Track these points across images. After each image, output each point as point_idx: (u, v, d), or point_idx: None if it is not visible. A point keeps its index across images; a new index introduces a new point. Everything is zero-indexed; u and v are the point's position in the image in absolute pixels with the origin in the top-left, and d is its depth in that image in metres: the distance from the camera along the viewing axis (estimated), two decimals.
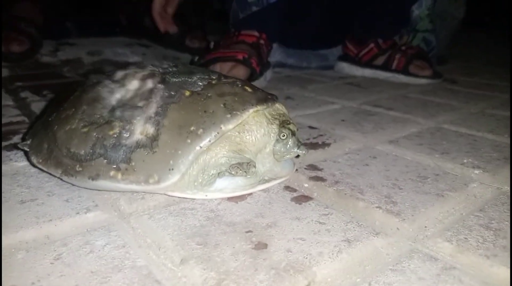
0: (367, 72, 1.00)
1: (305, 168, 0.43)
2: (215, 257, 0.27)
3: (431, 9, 1.04)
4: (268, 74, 0.89)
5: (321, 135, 0.54)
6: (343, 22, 1.02)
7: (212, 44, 0.90)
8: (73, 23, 1.51)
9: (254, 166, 0.35)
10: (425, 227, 0.32)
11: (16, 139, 0.50)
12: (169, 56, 1.27)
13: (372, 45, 0.98)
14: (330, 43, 1.09)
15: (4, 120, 0.58)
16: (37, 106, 0.66)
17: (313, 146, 0.50)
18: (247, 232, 0.30)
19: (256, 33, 0.87)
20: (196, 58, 0.86)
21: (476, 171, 0.43)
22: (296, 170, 0.42)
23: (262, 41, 0.87)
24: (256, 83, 0.78)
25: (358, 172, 0.42)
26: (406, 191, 0.38)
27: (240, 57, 0.78)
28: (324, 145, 0.50)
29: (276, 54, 1.05)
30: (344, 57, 1.06)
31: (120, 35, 1.52)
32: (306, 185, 0.39)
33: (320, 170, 0.43)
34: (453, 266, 0.27)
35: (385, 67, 0.97)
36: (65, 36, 1.41)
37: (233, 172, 0.33)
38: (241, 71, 0.77)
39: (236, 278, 0.25)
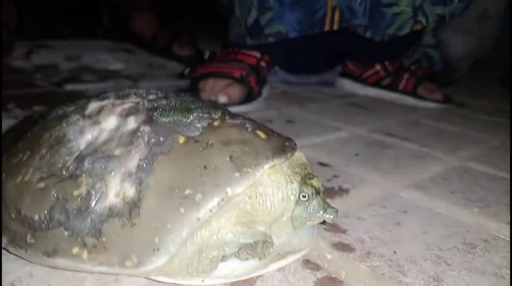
0: (371, 91, 0.93)
1: (325, 229, 0.34)
2: None
3: (437, 22, 0.97)
4: (265, 91, 0.80)
5: (336, 177, 0.46)
6: (347, 49, 0.93)
7: (207, 55, 0.81)
8: (52, 23, 1.40)
9: (272, 245, 0.26)
10: None
11: None
12: (154, 64, 1.17)
13: (378, 67, 0.90)
14: (331, 66, 1.01)
15: None
16: None
17: (329, 193, 0.41)
18: None
19: (258, 54, 0.78)
20: (187, 70, 0.77)
21: None
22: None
23: (263, 63, 0.78)
24: (253, 104, 0.69)
25: (391, 236, 0.34)
26: (456, 269, 0.30)
27: (237, 74, 0.69)
28: (342, 191, 0.42)
29: (279, 74, 0.96)
30: (346, 74, 0.98)
31: (101, 38, 1.42)
32: (329, 256, 0.31)
33: (344, 232, 0.34)
34: None
35: (392, 87, 0.89)
36: (42, 37, 1.30)
37: (243, 258, 0.25)
38: (237, 91, 0.68)
39: None
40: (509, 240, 0.35)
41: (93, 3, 1.44)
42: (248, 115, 0.32)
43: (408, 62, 0.93)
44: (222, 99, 0.67)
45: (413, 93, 0.86)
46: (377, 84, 0.91)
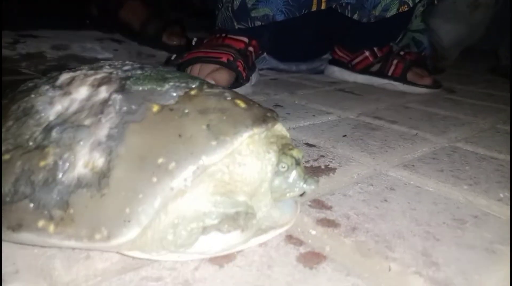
0: (360, 78, 0.92)
1: (310, 205, 0.33)
2: None
3: (425, 6, 0.96)
4: (254, 77, 0.79)
5: (322, 156, 0.45)
6: (335, 35, 0.92)
7: (194, 41, 0.79)
8: (39, 13, 1.37)
9: (254, 216, 0.25)
10: None
11: None
12: (144, 53, 1.15)
13: (367, 53, 0.89)
14: (320, 53, 1.00)
15: None
16: None
17: (315, 171, 0.40)
18: None
19: (245, 39, 0.76)
20: (173, 56, 0.75)
21: None
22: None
23: (251, 48, 0.77)
24: (241, 89, 0.68)
25: (378, 212, 0.33)
26: (445, 244, 0.29)
27: (224, 59, 0.67)
28: (328, 170, 0.41)
29: (268, 61, 0.95)
30: (335, 61, 0.97)
31: (90, 28, 1.39)
32: (313, 232, 0.29)
33: (329, 208, 0.33)
34: None
35: (381, 73, 0.88)
36: (28, 27, 1.27)
37: (224, 230, 0.23)
38: (224, 76, 0.67)
39: None
40: (500, 216, 0.34)
41: None
42: None
43: (397, 48, 0.92)
44: None
45: (402, 79, 0.85)
46: (366, 70, 0.90)
